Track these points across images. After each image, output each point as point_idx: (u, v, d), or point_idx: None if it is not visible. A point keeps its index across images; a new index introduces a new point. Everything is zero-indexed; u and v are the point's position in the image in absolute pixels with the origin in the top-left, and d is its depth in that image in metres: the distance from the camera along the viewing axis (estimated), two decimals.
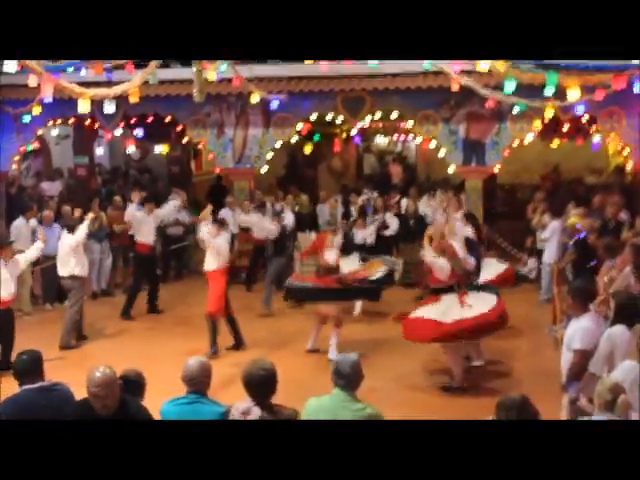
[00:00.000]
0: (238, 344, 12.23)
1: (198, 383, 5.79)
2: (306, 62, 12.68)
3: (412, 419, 5.00)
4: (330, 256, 12.16)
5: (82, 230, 13.05)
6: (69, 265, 13.01)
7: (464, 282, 10.63)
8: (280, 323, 13.88)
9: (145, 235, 15.01)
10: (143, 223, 15.02)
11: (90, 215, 13.55)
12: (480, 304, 10.25)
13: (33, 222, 15.29)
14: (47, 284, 15.34)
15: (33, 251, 12.58)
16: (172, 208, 16.12)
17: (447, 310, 10.17)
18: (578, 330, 7.36)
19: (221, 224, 12.54)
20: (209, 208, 12.92)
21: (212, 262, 12.15)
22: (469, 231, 11.87)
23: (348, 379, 5.53)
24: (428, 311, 10.33)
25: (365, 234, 15.39)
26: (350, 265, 12.96)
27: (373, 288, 12.09)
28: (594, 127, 18.27)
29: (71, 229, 13.16)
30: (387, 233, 15.73)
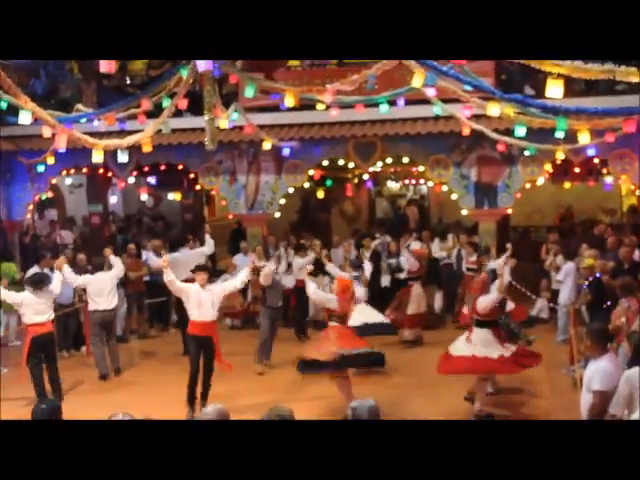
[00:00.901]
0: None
1: None
2: (318, 108, 12.74)
3: None
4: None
5: (119, 263, 14.01)
6: (113, 298, 13.76)
7: (500, 315, 11.37)
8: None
9: None
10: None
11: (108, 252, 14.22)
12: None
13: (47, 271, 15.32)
14: (63, 332, 15.32)
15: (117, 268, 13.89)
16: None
17: (488, 346, 10.70)
18: (597, 371, 7.29)
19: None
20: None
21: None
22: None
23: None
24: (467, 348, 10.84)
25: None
26: (363, 314, 12.79)
27: (375, 354, 11.05)
28: (606, 170, 18.28)
29: (100, 267, 13.89)
30: (402, 276, 15.71)
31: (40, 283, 12.06)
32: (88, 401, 11.86)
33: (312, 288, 11.36)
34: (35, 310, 11.92)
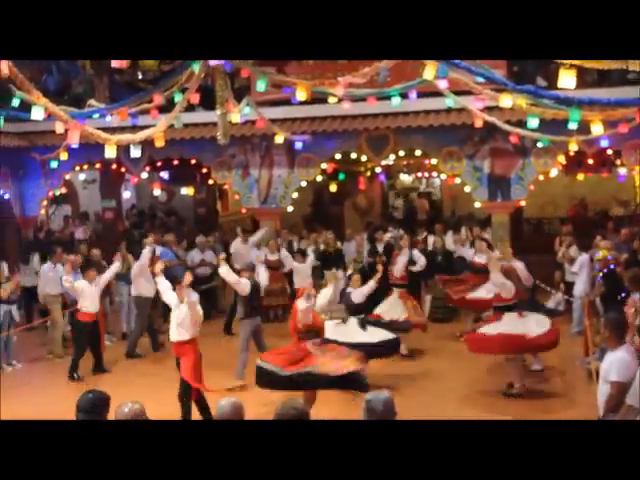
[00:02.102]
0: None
1: None
2: (330, 101, 12.74)
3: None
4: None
5: (145, 254, 14.76)
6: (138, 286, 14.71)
7: (525, 299, 12.10)
8: None
9: None
10: None
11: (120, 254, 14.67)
12: (541, 323, 11.46)
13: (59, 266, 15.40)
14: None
15: (112, 269, 14.19)
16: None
17: (513, 327, 11.21)
18: (614, 362, 7.27)
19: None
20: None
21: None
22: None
23: (381, 416, 5.48)
24: (495, 328, 11.34)
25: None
26: (346, 332, 11.77)
27: (356, 377, 9.93)
28: (619, 161, 18.21)
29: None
30: (414, 269, 15.69)
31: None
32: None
33: (224, 269, 12.15)
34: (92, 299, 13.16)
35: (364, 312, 12.49)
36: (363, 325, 12.00)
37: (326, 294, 11.21)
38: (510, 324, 11.30)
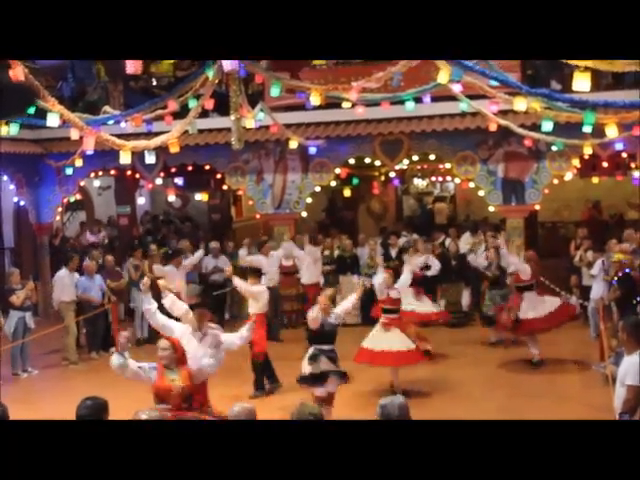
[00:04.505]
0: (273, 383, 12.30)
1: None
2: (343, 106, 12.75)
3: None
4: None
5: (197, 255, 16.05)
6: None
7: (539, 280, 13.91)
8: None
9: None
10: None
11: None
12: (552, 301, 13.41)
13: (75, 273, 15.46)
14: (92, 333, 15.45)
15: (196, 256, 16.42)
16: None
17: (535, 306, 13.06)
18: (632, 365, 7.24)
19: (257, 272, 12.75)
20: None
21: (254, 306, 12.23)
22: None
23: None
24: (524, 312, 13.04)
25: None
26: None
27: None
28: (634, 164, 18.14)
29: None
30: (429, 273, 15.68)
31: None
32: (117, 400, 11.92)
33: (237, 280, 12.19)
34: None
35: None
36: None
37: (351, 300, 10.90)
38: (532, 304, 13.04)
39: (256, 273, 12.77)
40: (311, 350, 10.16)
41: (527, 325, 13.04)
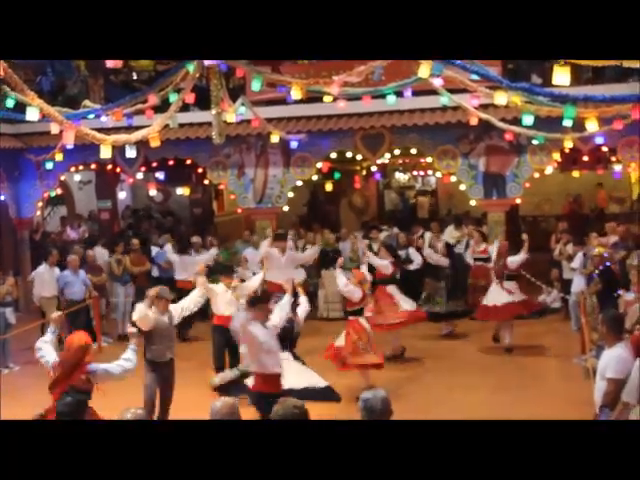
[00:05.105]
0: None
1: None
2: (325, 100, 12.73)
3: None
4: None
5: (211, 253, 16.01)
6: None
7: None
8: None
9: None
10: None
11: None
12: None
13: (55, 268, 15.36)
14: (74, 328, 15.29)
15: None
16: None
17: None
18: (612, 359, 7.29)
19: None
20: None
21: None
22: None
23: (379, 415, 5.47)
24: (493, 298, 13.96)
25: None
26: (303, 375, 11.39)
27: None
28: (615, 158, 18.21)
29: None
30: (412, 267, 15.70)
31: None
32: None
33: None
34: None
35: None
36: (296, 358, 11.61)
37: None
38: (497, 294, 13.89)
39: (230, 273, 12.72)
40: None
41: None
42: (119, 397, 7.58)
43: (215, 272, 13.75)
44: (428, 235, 17.52)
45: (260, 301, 8.94)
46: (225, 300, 12.09)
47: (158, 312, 9.80)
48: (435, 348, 14.26)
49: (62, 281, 14.98)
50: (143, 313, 9.58)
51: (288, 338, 10.86)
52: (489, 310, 13.96)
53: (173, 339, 10.25)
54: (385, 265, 13.44)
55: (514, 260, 14.16)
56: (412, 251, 15.71)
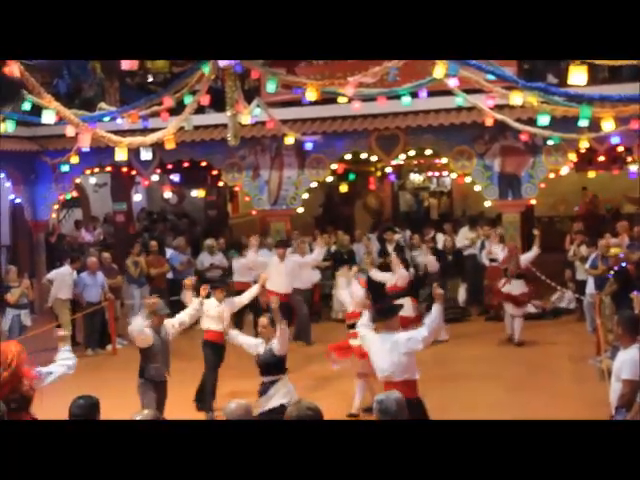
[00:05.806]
0: None
1: None
2: (340, 101, 12.73)
3: None
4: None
5: (251, 253, 14.84)
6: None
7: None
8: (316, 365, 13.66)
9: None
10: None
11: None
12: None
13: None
14: (90, 330, 15.42)
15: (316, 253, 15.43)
16: None
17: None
18: (627, 360, 7.27)
19: None
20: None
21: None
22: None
23: (394, 416, 5.47)
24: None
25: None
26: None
27: None
28: (630, 158, 18.14)
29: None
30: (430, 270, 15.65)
31: None
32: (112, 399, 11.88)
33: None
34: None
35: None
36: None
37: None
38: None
39: (222, 285, 11.99)
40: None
41: None
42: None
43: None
44: (441, 236, 17.51)
45: None
46: (214, 314, 11.16)
47: (152, 327, 9.53)
48: (448, 350, 14.21)
49: (81, 283, 15.06)
50: (142, 331, 9.38)
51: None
52: (501, 294, 14.44)
53: (169, 356, 9.87)
54: (399, 277, 13.22)
55: (527, 257, 14.48)
56: (428, 254, 15.63)
